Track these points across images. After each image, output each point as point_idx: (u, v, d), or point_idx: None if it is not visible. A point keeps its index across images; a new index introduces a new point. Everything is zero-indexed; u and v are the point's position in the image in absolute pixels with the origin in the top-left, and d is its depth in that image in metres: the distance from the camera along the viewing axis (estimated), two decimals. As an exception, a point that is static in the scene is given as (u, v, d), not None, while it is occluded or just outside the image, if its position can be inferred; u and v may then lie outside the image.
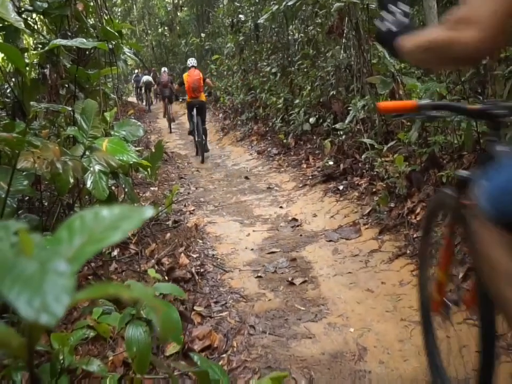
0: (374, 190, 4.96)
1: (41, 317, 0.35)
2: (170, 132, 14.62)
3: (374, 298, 3.24)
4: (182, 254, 3.96)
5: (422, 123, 4.39)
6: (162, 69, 16.76)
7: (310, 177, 6.54)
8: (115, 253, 3.79)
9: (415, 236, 3.88)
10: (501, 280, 1.34)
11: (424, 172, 4.35)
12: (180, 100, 11.98)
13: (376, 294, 3.30)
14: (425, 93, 4.29)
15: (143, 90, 21.72)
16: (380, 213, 4.48)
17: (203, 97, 9.72)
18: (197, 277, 3.65)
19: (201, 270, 3.82)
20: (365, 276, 3.60)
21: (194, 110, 9.46)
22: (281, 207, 5.70)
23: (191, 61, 10.15)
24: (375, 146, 4.98)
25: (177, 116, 17.10)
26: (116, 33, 3.29)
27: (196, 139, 9.66)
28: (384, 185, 4.65)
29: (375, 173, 5.08)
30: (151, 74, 21.70)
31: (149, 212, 0.43)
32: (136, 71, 21.89)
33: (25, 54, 3.45)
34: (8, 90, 3.70)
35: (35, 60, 3.32)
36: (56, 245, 0.40)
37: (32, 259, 0.37)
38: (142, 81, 20.58)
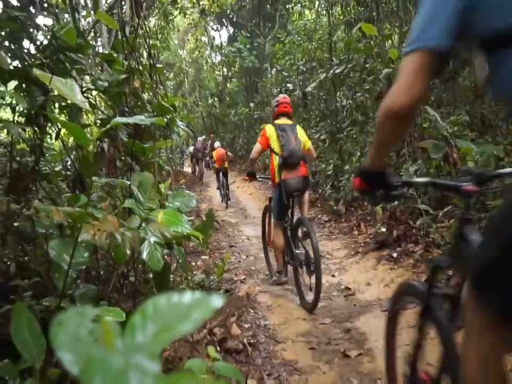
0: (430, 257, 4.81)
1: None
2: (202, 183, 19.76)
3: (436, 373, 3.07)
4: (234, 324, 3.90)
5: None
6: (198, 138, 21.60)
7: (362, 244, 6.43)
8: (168, 323, 3.77)
9: (476, 305, 3.70)
10: None
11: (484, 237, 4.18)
12: (211, 167, 19.18)
13: (438, 369, 3.13)
14: (481, 156, 4.19)
15: (185, 160, 26.42)
16: (438, 281, 4.32)
17: (226, 164, 14.25)
18: (249, 348, 3.58)
19: (253, 341, 3.74)
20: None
21: (221, 174, 13.85)
22: (333, 275, 5.59)
23: (217, 143, 15.68)
24: (430, 211, 4.88)
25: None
26: (170, 108, 3.43)
27: (222, 192, 13.84)
28: (441, 252, 4.50)
29: (430, 239, 4.94)
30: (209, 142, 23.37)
31: (219, 301, 0.43)
32: (202, 136, 23.77)
33: (86, 129, 3.65)
34: (68, 163, 3.89)
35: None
36: (130, 331, 0.41)
37: (115, 352, 0.37)
38: (188, 151, 24.48)
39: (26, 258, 2.98)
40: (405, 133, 2.27)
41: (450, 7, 1.34)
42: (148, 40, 3.99)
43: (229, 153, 15.28)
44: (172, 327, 0.40)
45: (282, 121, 4.98)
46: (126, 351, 0.38)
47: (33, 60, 3.01)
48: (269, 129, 4.91)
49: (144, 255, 2.03)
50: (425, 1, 1.42)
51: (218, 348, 3.44)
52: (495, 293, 1.25)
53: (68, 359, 0.37)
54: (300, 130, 5.04)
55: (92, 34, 10.09)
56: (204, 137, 22.29)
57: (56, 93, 2.83)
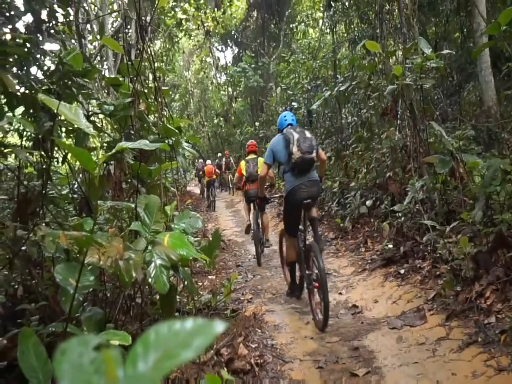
0: (437, 273, 4.78)
1: None
2: (203, 197, 21.65)
3: (446, 392, 3.03)
4: (241, 344, 3.88)
5: (486, 201, 4.24)
6: (200, 160, 24.36)
7: (369, 261, 6.40)
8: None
9: (486, 321, 3.66)
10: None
11: (492, 253, 4.14)
12: (201, 179, 22.18)
13: (447, 387, 3.09)
14: (487, 170, 4.17)
15: (189, 181, 28.95)
16: (446, 297, 4.28)
17: (214, 177, 18.50)
18: (256, 369, 3.56)
19: (261, 361, 3.72)
20: (433, 366, 3.39)
21: (209, 185, 17.87)
22: (340, 293, 5.56)
23: (208, 162, 20.57)
24: (437, 227, 4.85)
25: (234, 203, 18.29)
26: (176, 130, 3.46)
27: (210, 199, 18.00)
28: (449, 268, 4.46)
29: (438, 255, 4.91)
30: (216, 161, 25.31)
31: (220, 327, 0.44)
32: (201, 159, 25.26)
33: (93, 152, 3.69)
34: (75, 186, 3.93)
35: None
36: (132, 360, 0.42)
37: (117, 382, 0.38)
38: (194, 170, 26.99)
39: (33, 282, 2.99)
40: (265, 183, 5.69)
41: (271, 153, 5.01)
42: (153, 63, 4.05)
43: (216, 169, 20.18)
44: (174, 354, 0.41)
45: (250, 157, 8.56)
46: (127, 380, 0.39)
47: (40, 86, 3.06)
48: (242, 164, 8.55)
49: (150, 278, 2.04)
50: (267, 151, 5.15)
51: (225, 369, 3.42)
52: (288, 229, 5.24)
53: (69, 389, 0.38)
54: (259, 160, 8.25)
55: (98, 58, 10.25)
56: (211, 159, 25.66)
57: (63, 117, 2.88)
